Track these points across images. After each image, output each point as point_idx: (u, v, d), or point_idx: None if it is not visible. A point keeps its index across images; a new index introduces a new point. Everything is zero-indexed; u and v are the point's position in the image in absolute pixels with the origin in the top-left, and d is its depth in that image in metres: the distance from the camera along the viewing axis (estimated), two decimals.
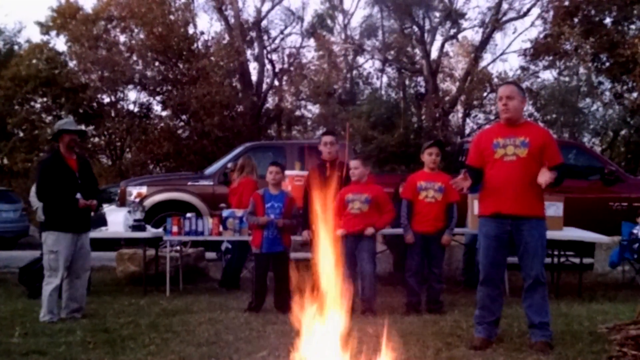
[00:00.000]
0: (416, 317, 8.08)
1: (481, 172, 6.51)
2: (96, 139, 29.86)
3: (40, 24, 30.30)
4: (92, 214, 8.33)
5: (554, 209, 9.59)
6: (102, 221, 10.78)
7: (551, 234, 7.64)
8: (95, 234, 8.72)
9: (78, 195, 7.93)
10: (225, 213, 9.99)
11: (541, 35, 26.88)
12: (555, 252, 10.18)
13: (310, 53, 30.97)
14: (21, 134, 28.87)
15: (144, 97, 29.85)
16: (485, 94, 28.49)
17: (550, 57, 26.77)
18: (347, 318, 4.65)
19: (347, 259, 8.03)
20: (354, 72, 30.35)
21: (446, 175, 8.74)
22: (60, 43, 30.30)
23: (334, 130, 9.62)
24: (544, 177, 6.05)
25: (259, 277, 8.57)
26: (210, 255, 12.62)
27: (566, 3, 25.33)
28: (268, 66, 30.38)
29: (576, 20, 25.32)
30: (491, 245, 6.40)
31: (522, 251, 6.35)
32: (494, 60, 29.06)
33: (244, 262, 11.00)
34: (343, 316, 4.63)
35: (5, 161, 29.39)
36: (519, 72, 28.09)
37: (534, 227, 6.31)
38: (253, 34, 29.87)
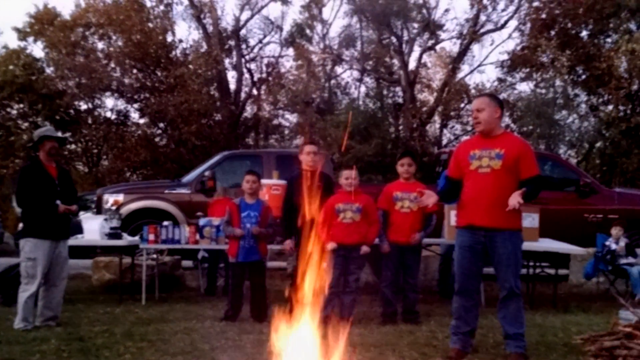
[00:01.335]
0: (392, 327, 8.12)
1: (460, 183, 6.56)
2: (73, 146, 29.64)
3: (17, 29, 30.05)
4: (72, 218, 8.30)
5: (530, 220, 9.66)
6: (78, 229, 10.72)
7: (527, 245, 7.70)
8: (71, 241, 8.67)
9: (58, 202, 7.90)
10: (202, 222, 10.00)
11: (518, 48, 27.07)
12: (531, 263, 10.25)
13: (288, 62, 30.96)
14: None
15: (121, 105, 29.67)
16: (462, 105, 28.61)
17: (527, 69, 26.95)
18: (322, 328, 4.66)
19: (336, 269, 8.06)
20: (332, 81, 30.37)
21: (422, 186, 8.79)
22: (37, 49, 30.10)
23: (316, 139, 9.61)
24: (512, 200, 6.10)
25: (235, 287, 8.57)
26: (187, 263, 12.59)
27: (543, 16, 25.55)
28: (246, 75, 30.32)
29: (553, 33, 25.56)
30: (465, 256, 6.45)
31: (496, 263, 6.40)
32: (471, 72, 29.17)
33: (216, 271, 11.07)
34: (319, 326, 4.63)
35: None
36: (496, 83, 28.22)
37: (507, 238, 6.34)
38: (232, 42, 29.82)
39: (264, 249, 8.66)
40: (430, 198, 6.65)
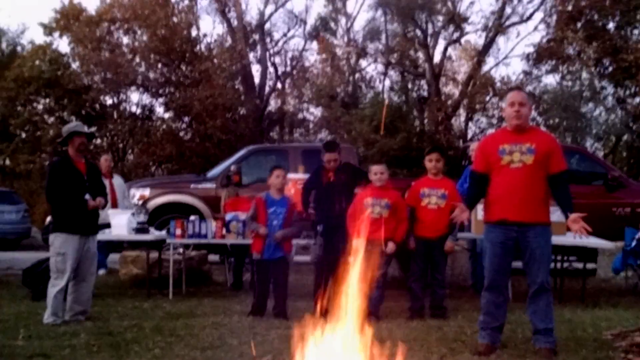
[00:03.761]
0: (420, 322, 8.08)
1: (487, 177, 6.51)
2: (98, 141, 29.83)
3: (43, 25, 30.30)
4: (101, 211, 8.34)
5: (558, 214, 9.57)
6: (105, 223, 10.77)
7: (555, 239, 7.62)
8: (99, 236, 8.70)
9: (87, 196, 7.95)
10: (228, 216, 10.00)
11: (544, 40, 26.95)
12: (559, 257, 10.17)
13: (313, 56, 31.08)
14: (24, 135, 28.87)
15: (146, 99, 29.90)
16: (487, 98, 28.51)
17: (553, 62, 26.81)
18: (352, 323, 4.65)
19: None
20: (357, 75, 30.36)
21: (451, 182, 8.77)
22: (63, 44, 30.47)
23: (335, 142, 9.59)
24: (577, 227, 6.24)
25: (262, 282, 8.52)
26: (214, 258, 12.63)
27: (569, 8, 25.38)
28: (271, 69, 30.42)
29: (579, 25, 25.38)
30: (497, 252, 6.40)
31: (527, 258, 6.35)
32: (496, 65, 29.17)
33: (243, 266, 11.09)
34: (349, 321, 4.63)
35: (8, 162, 29.40)
36: (521, 76, 28.15)
37: (539, 234, 6.32)
38: (256, 36, 29.91)
39: (288, 246, 8.60)
40: (463, 213, 6.63)
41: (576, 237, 6.36)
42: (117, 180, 12.80)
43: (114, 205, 12.19)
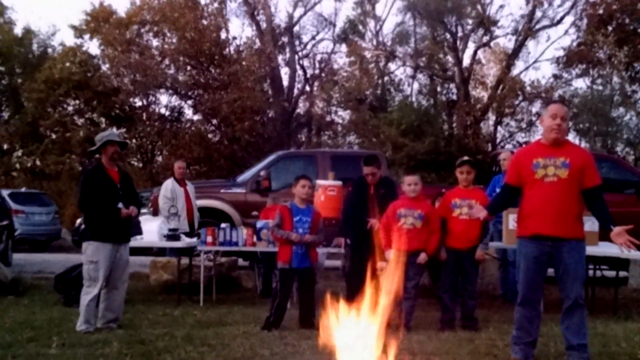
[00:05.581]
0: (451, 334, 8.03)
1: (519, 190, 6.47)
2: (128, 142, 30.01)
3: (74, 27, 30.58)
4: (135, 218, 8.38)
5: (590, 224, 9.48)
6: (137, 228, 10.79)
7: (587, 250, 7.56)
8: (131, 243, 8.73)
9: (120, 205, 7.98)
10: (259, 224, 10.00)
11: (574, 44, 26.78)
12: (590, 266, 10.09)
13: (341, 59, 31.06)
14: (53, 137, 29.15)
15: (175, 101, 30.11)
16: (517, 102, 28.36)
17: (584, 66, 26.64)
18: (384, 334, 4.66)
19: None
20: (385, 78, 30.31)
21: (482, 192, 8.73)
22: (93, 46, 30.59)
23: (373, 156, 9.57)
24: (621, 239, 6.12)
25: (284, 294, 8.41)
26: (243, 263, 12.66)
27: (600, 11, 25.19)
28: (299, 72, 30.49)
29: (610, 28, 25.19)
30: (531, 267, 6.35)
31: (561, 273, 6.29)
32: (526, 68, 28.97)
33: (272, 273, 11.10)
34: (380, 332, 4.63)
35: (38, 163, 29.66)
36: (551, 80, 27.97)
37: (573, 248, 6.26)
38: (285, 39, 29.97)
39: (314, 256, 8.56)
40: (480, 212, 6.62)
41: (623, 250, 6.26)
42: (190, 187, 12.64)
43: (190, 213, 12.19)
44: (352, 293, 8.19)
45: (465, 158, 8.99)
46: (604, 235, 9.86)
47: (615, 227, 6.17)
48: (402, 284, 6.89)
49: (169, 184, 12.25)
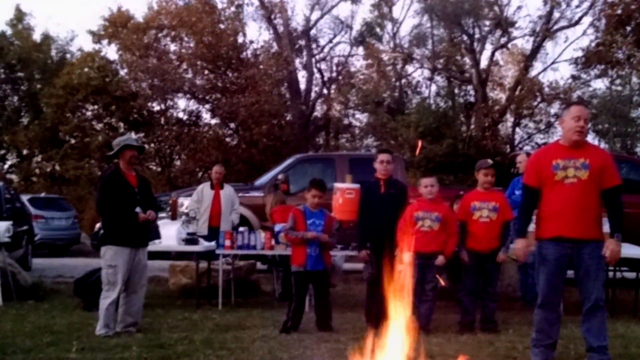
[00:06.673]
0: (470, 336, 8.01)
1: (539, 192, 6.42)
2: (146, 147, 30.14)
3: (92, 32, 30.74)
4: (154, 222, 8.41)
5: (609, 225, 9.44)
6: (155, 233, 10.79)
7: None
8: (149, 247, 8.75)
9: (138, 209, 8.00)
10: (277, 227, 10.00)
11: (593, 44, 26.61)
12: (611, 268, 10.00)
13: (358, 62, 31.03)
14: (72, 142, 29.31)
15: (193, 106, 30.17)
16: (535, 103, 28.24)
17: (602, 66, 26.50)
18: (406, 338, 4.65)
19: (413, 278, 7.98)
20: (403, 81, 30.24)
21: (501, 194, 8.70)
22: (111, 51, 30.76)
23: (389, 148, 9.53)
24: (609, 251, 6.18)
25: (300, 297, 8.43)
26: (261, 266, 12.66)
27: (618, 12, 25.03)
28: (316, 75, 30.49)
29: (629, 28, 25.05)
30: (551, 270, 6.30)
31: (582, 274, 6.25)
32: (544, 69, 28.81)
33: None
34: (402, 336, 4.62)
35: (57, 168, 29.83)
36: (570, 81, 27.81)
37: (594, 249, 6.22)
38: (302, 42, 29.99)
39: (328, 258, 8.55)
40: (529, 247, 6.58)
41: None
42: (227, 190, 12.55)
43: (216, 216, 12.16)
44: (373, 300, 8.23)
45: (490, 161, 8.95)
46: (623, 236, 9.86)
47: (615, 236, 6.15)
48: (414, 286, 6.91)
49: (200, 188, 12.35)
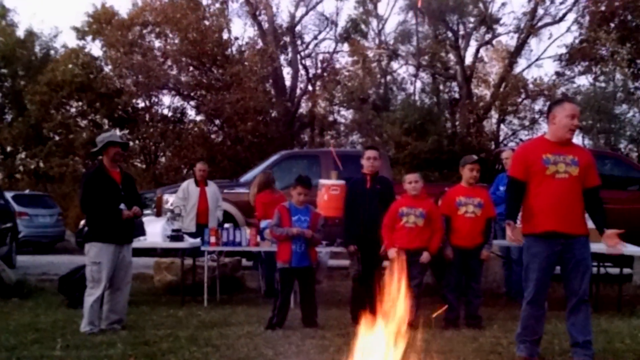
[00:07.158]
0: (455, 332, 8.04)
1: (524, 185, 6.41)
2: (131, 144, 30.03)
3: (76, 29, 30.57)
4: (136, 219, 8.38)
5: (595, 222, 9.48)
6: (140, 229, 10.76)
7: (592, 247, 7.52)
8: (134, 244, 8.73)
9: (122, 206, 7.98)
10: (262, 224, 10.00)
11: (577, 41, 26.75)
12: (595, 264, 10.05)
13: (344, 58, 31.01)
14: (57, 139, 29.16)
15: (178, 102, 30.08)
16: (520, 100, 28.32)
17: (586, 63, 26.64)
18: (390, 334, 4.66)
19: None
20: (388, 77, 30.25)
21: (485, 190, 8.75)
22: (95, 48, 30.61)
23: (377, 144, 9.54)
24: (612, 242, 6.35)
25: (286, 294, 8.44)
26: (246, 262, 12.66)
27: (602, 8, 25.18)
28: (302, 71, 30.42)
29: (612, 25, 25.19)
30: (542, 267, 6.29)
31: (570, 269, 6.28)
32: (529, 66, 28.87)
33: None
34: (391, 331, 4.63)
35: (41, 165, 29.69)
36: (554, 77, 27.92)
37: (584, 244, 6.32)
38: (287, 39, 29.94)
39: (314, 255, 8.56)
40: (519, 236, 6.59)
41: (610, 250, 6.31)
42: (211, 187, 12.56)
43: (203, 214, 12.20)
44: (359, 297, 8.23)
45: (475, 157, 8.98)
46: None
47: (607, 230, 6.20)
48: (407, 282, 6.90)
49: (185, 184, 12.33)
